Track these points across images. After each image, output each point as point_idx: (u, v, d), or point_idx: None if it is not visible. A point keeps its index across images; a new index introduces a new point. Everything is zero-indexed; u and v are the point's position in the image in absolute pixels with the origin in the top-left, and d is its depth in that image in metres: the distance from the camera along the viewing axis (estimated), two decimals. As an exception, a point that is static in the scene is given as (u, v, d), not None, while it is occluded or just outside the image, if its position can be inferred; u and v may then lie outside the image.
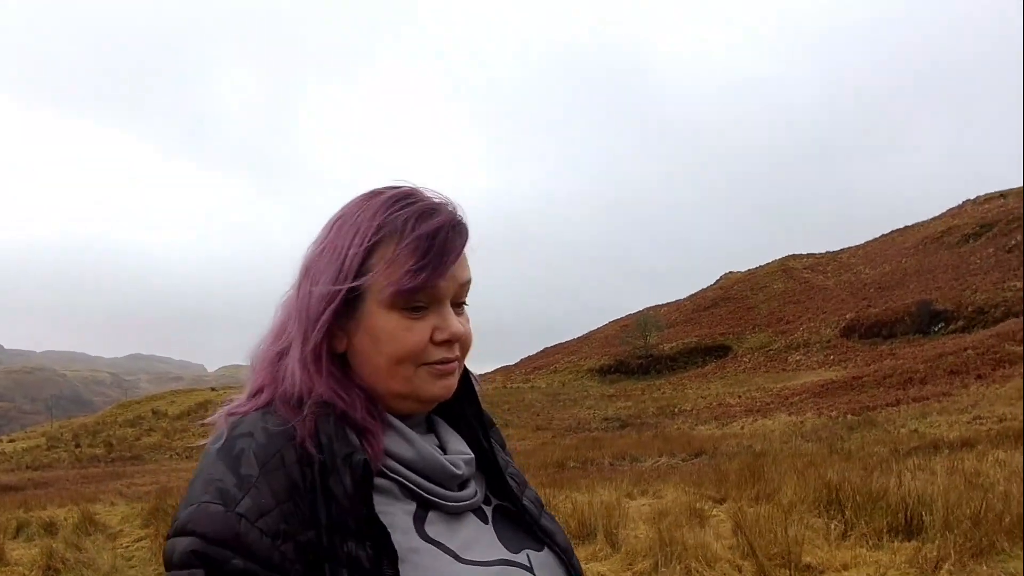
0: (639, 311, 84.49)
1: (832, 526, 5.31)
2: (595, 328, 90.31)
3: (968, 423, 18.55)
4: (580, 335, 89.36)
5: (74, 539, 6.25)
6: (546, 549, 0.95)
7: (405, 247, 0.85)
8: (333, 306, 0.85)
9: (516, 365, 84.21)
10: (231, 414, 0.87)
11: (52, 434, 43.73)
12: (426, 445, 0.90)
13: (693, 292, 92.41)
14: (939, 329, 51.33)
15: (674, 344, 70.30)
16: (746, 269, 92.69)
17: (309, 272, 0.88)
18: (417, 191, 0.91)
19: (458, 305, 0.92)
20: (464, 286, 0.91)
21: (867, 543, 4.64)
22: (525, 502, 0.98)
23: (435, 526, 0.87)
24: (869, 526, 5.07)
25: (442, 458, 0.90)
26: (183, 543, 0.76)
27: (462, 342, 0.92)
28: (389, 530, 0.80)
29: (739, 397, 45.59)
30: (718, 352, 67.24)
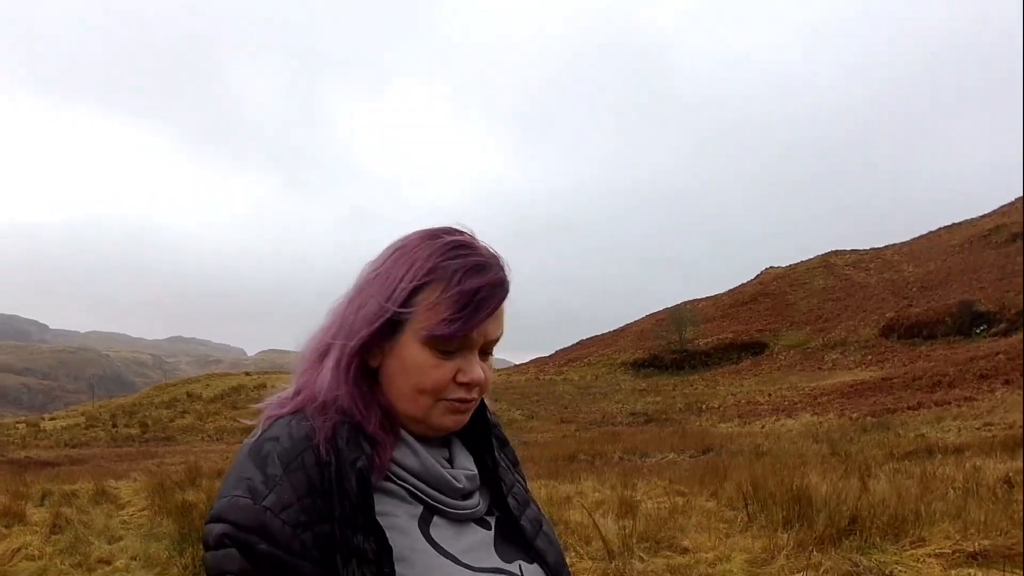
0: (676, 305, 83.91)
1: (739, 518, 5.86)
2: (631, 321, 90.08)
3: (977, 429, 18.55)
4: (616, 328, 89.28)
5: (86, 506, 7.19)
6: (536, 564, 1.05)
7: (448, 297, 0.95)
8: (373, 328, 0.96)
9: (551, 357, 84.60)
10: (269, 416, 0.99)
11: (91, 413, 45.67)
12: (431, 458, 1.00)
13: (732, 287, 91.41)
14: (980, 331, 50.12)
15: (709, 340, 69.81)
16: (787, 264, 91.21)
17: (361, 291, 0.99)
18: (474, 244, 1.00)
19: (486, 353, 1.03)
20: (494, 340, 1.01)
21: (754, 533, 5.18)
22: (523, 521, 1.07)
23: (440, 530, 0.98)
24: (768, 519, 5.60)
25: (444, 471, 1.00)
26: (218, 528, 0.90)
27: (481, 386, 1.02)
28: (393, 530, 0.93)
29: (769, 396, 45.35)
30: (754, 349, 66.61)
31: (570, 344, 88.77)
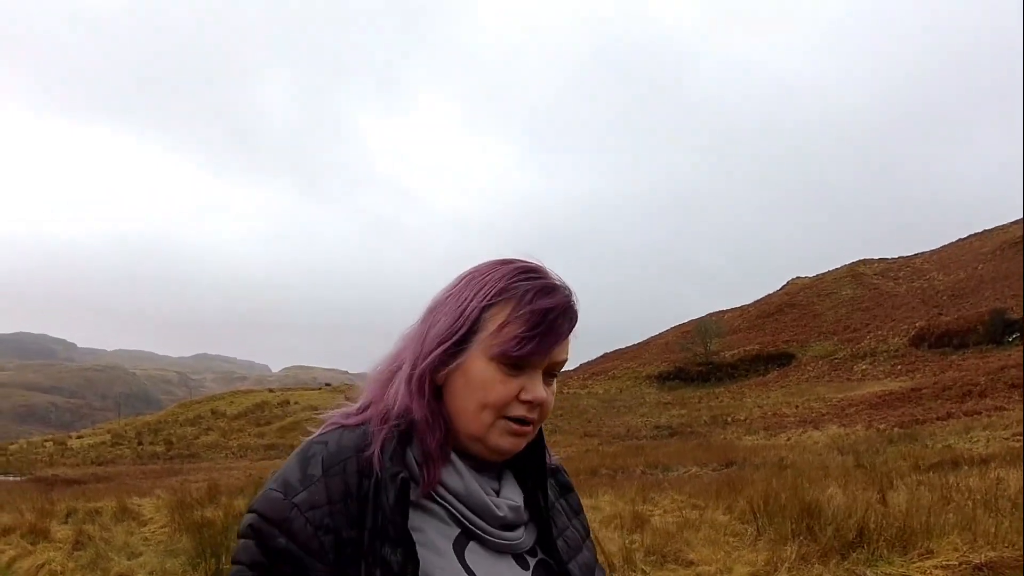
0: (701, 317, 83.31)
1: (749, 531, 5.85)
2: (656, 334, 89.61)
3: (1006, 439, 18.18)
4: (641, 340, 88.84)
5: (108, 524, 7.40)
6: None
7: (520, 316, 0.97)
8: (446, 345, 0.99)
9: (575, 370, 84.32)
10: (332, 423, 1.03)
11: (117, 431, 46.46)
12: (475, 483, 1.00)
13: (758, 298, 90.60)
14: (1013, 339, 49.06)
15: (735, 351, 69.18)
16: (814, 274, 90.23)
17: (432, 313, 1.02)
18: (544, 271, 1.03)
19: (550, 375, 1.04)
20: (559, 364, 1.03)
21: (761, 547, 5.18)
22: (571, 565, 1.05)
23: (474, 555, 0.97)
24: (777, 532, 5.60)
25: (487, 497, 0.99)
26: (248, 518, 0.95)
27: (543, 407, 1.01)
28: (425, 547, 0.93)
29: (796, 407, 44.77)
30: (781, 360, 65.82)
31: (594, 357, 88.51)
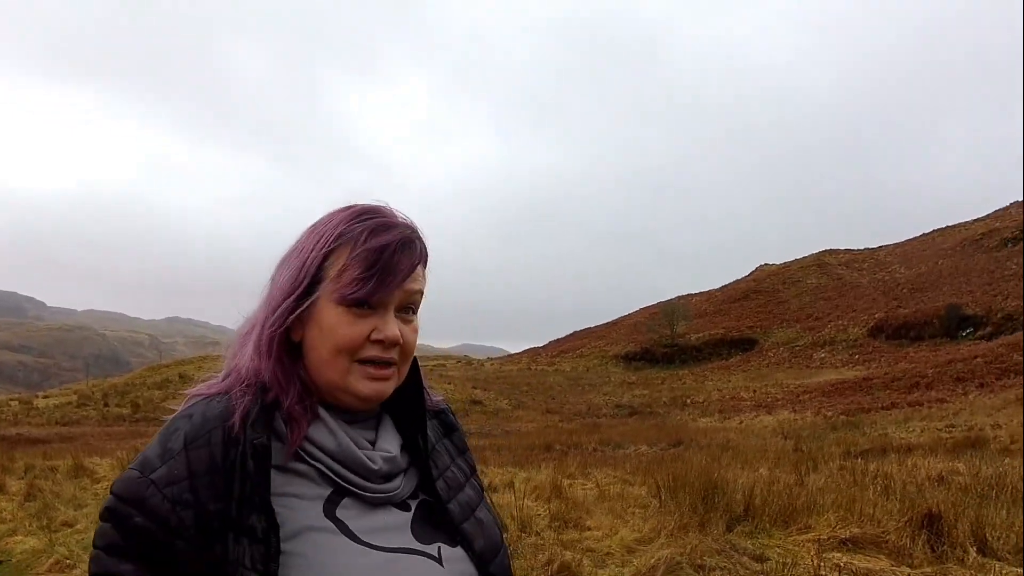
0: (671, 299, 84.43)
1: (653, 504, 6.39)
2: (625, 314, 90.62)
3: (939, 431, 19.07)
4: (610, 320, 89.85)
5: (62, 480, 7.75)
6: (460, 548, 1.03)
7: (356, 257, 0.97)
8: (290, 299, 0.98)
9: (544, 347, 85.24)
10: (193, 395, 1.01)
11: (84, 392, 46.18)
12: (347, 438, 0.98)
13: (727, 283, 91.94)
14: (967, 334, 50.69)
15: (701, 335, 70.42)
16: (782, 262, 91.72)
17: (278, 270, 1.02)
18: (382, 209, 1.02)
19: (406, 311, 1.02)
20: (412, 294, 1.01)
21: (655, 517, 5.72)
22: (451, 505, 1.05)
23: (348, 511, 0.96)
24: (677, 506, 6.14)
25: (359, 452, 0.98)
26: (106, 501, 0.93)
27: (400, 347, 1.00)
28: (293, 509, 0.92)
29: (753, 392, 45.97)
30: (744, 345, 67.20)
31: (563, 335, 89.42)
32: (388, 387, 1.01)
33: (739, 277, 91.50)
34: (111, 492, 0.93)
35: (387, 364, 1.00)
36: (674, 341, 68.75)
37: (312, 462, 0.97)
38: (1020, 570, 4.52)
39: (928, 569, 4.60)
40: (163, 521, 0.89)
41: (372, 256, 0.97)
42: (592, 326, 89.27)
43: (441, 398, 1.18)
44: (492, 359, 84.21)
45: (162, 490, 0.89)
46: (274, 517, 0.91)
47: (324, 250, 0.98)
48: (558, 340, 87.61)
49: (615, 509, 6.07)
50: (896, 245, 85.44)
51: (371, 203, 1.04)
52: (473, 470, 1.16)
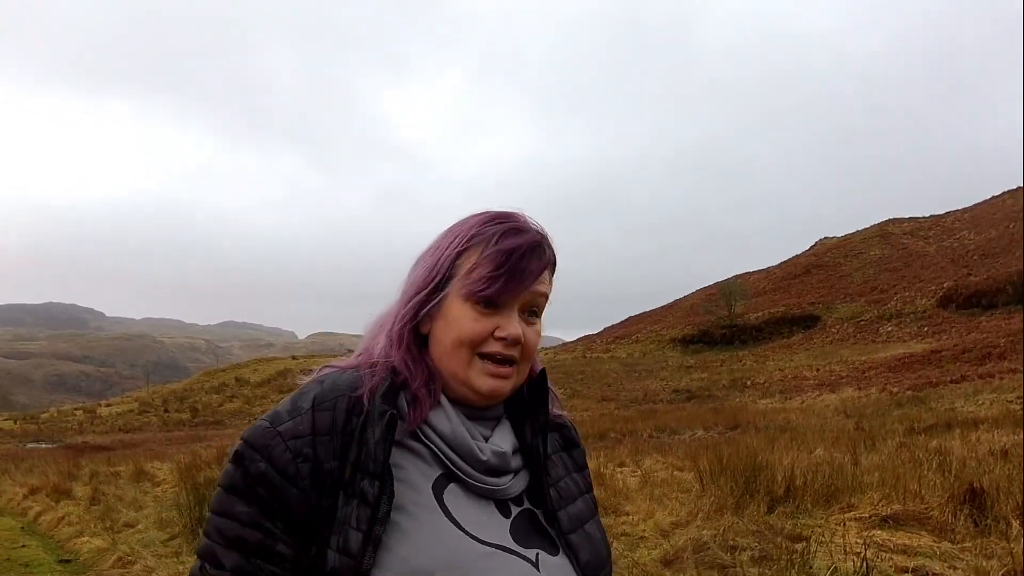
0: (728, 278, 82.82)
1: (696, 488, 6.35)
2: (681, 296, 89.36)
3: (1009, 402, 18.32)
4: (666, 303, 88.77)
5: (125, 484, 8.18)
6: (562, 555, 1.04)
7: (487, 256, 1.02)
8: (422, 294, 1.05)
9: (599, 334, 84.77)
10: (327, 366, 1.09)
11: (144, 399, 48.16)
12: (462, 427, 1.03)
13: (785, 259, 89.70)
14: (1043, 299, 48.34)
15: (760, 313, 68.85)
16: (843, 234, 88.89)
17: (414, 267, 1.09)
18: (515, 215, 1.08)
19: (531, 313, 1.07)
20: (537, 296, 1.06)
21: (695, 500, 5.69)
22: (561, 513, 1.07)
23: (453, 496, 1.00)
24: (719, 489, 6.09)
25: (471, 441, 1.02)
26: (235, 445, 1.01)
27: (524, 346, 1.04)
28: (404, 483, 0.97)
29: (817, 370, 44.78)
30: (806, 322, 65.38)
31: (618, 321, 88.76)
32: (507, 385, 1.04)
33: (798, 253, 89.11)
34: (241, 438, 1.00)
35: (508, 362, 1.03)
36: (732, 321, 67.36)
37: (427, 442, 1.02)
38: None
39: (969, 544, 4.46)
40: (283, 469, 0.96)
41: (502, 257, 1.01)
42: (647, 310, 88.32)
43: (567, 415, 1.21)
44: (547, 348, 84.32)
45: (286, 442, 0.97)
46: (391, 484, 0.96)
47: (458, 249, 1.04)
48: (613, 326, 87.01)
49: (655, 494, 6.07)
50: (964, 210, 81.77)
51: (505, 209, 1.09)
52: (589, 488, 1.18)
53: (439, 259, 1.05)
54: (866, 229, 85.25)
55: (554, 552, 1.03)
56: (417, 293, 1.05)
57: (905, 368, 35.54)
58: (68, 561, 6.13)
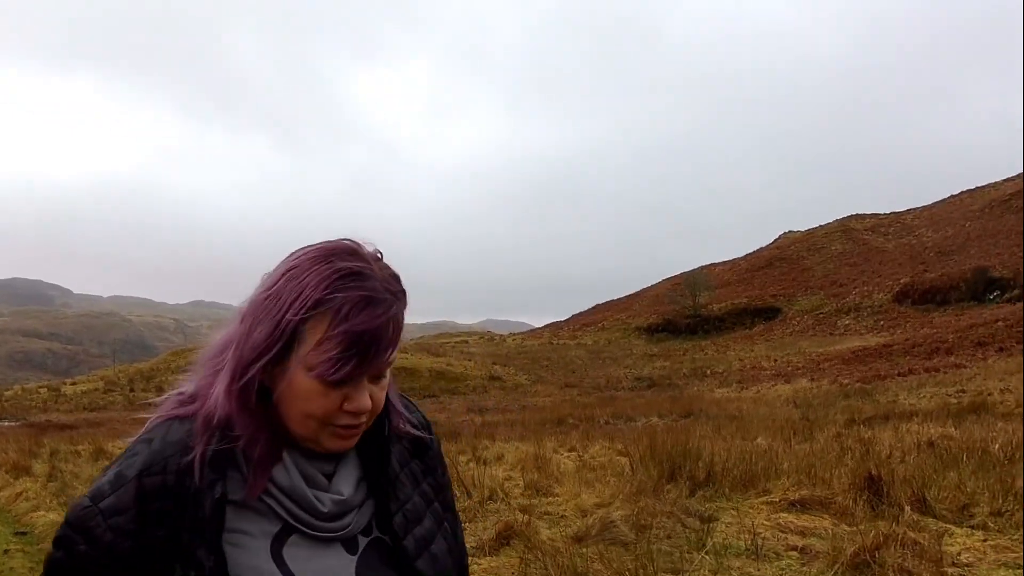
0: (693, 269, 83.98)
1: (627, 472, 6.77)
2: (647, 286, 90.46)
3: (949, 396, 19.16)
4: (632, 292, 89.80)
5: (84, 463, 8.40)
6: None
7: (336, 335, 0.93)
8: (264, 359, 0.96)
9: (566, 321, 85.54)
10: (159, 416, 1.04)
11: (110, 378, 47.64)
12: (300, 477, 1.00)
13: (750, 251, 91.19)
14: (994, 297, 49.92)
15: (723, 304, 70.12)
16: (806, 229, 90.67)
17: (254, 312, 0.98)
18: (365, 271, 0.97)
19: (378, 377, 1.00)
20: (385, 365, 0.99)
21: (621, 484, 6.10)
22: (407, 541, 1.06)
23: (293, 548, 0.99)
24: (647, 473, 6.51)
25: (309, 492, 1.00)
26: (59, 529, 0.98)
27: (370, 413, 1.00)
28: (241, 547, 0.96)
29: (775, 361, 45.96)
30: (768, 314, 66.78)
31: (585, 309, 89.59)
32: (356, 439, 1.02)
33: (762, 246, 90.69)
34: (64, 520, 0.98)
35: (357, 426, 1.00)
36: (697, 312, 68.49)
37: (266, 499, 0.99)
38: (950, 525, 4.82)
39: (864, 527, 4.91)
40: (105, 549, 0.95)
41: (352, 339, 0.94)
42: (614, 299, 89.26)
43: (415, 415, 1.17)
44: (514, 334, 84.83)
45: (107, 520, 0.94)
46: (223, 557, 0.95)
47: (302, 316, 0.95)
48: (580, 314, 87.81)
49: (587, 478, 6.44)
50: (923, 208, 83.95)
51: (355, 254, 0.99)
52: (442, 487, 1.17)
53: (281, 322, 0.96)
54: (829, 224, 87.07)
55: None
56: (259, 355, 0.97)
57: (858, 361, 36.63)
58: (24, 533, 6.39)
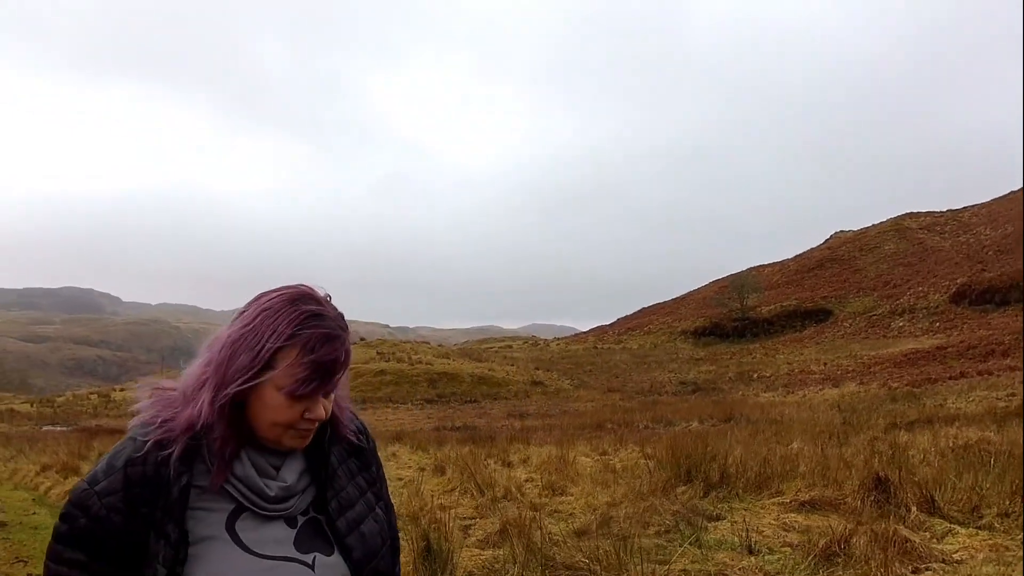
0: (741, 271, 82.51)
1: (649, 473, 6.90)
2: (694, 288, 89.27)
3: (997, 399, 18.60)
4: (678, 295, 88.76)
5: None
6: (336, 555, 1.34)
7: (304, 363, 1.27)
8: (244, 379, 1.28)
9: (611, 325, 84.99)
10: (139, 421, 1.35)
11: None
12: (252, 468, 1.31)
13: (800, 252, 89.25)
14: (1057, 296, 47.97)
15: (772, 307, 68.69)
16: (858, 228, 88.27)
17: (235, 343, 1.30)
18: (324, 313, 1.32)
19: (328, 394, 1.34)
20: (335, 386, 1.33)
21: (635, 483, 6.22)
22: (339, 522, 1.37)
23: (244, 522, 1.30)
24: (664, 475, 6.62)
25: (259, 480, 1.31)
26: (64, 506, 1.29)
27: (322, 420, 1.34)
28: (203, 522, 1.27)
29: (824, 364, 44.94)
30: (818, 316, 65.14)
31: (631, 312, 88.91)
32: (309, 440, 1.36)
33: (812, 246, 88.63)
34: (68, 499, 1.29)
35: (311, 429, 1.34)
36: (744, 314, 67.21)
37: (225, 485, 1.30)
38: (955, 525, 4.84)
39: (870, 526, 4.96)
40: (100, 523, 1.24)
41: (317, 367, 1.27)
42: (660, 302, 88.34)
43: (355, 423, 1.49)
44: (558, 339, 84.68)
45: (101, 500, 1.24)
46: (185, 529, 1.25)
47: (278, 345, 1.27)
48: (626, 317, 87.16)
49: (604, 479, 6.59)
50: (981, 205, 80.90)
51: (315, 300, 1.32)
52: (373, 481, 1.48)
53: (260, 351, 1.27)
54: (882, 223, 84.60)
55: (329, 552, 1.33)
56: (241, 377, 1.27)
57: (909, 364, 35.66)
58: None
